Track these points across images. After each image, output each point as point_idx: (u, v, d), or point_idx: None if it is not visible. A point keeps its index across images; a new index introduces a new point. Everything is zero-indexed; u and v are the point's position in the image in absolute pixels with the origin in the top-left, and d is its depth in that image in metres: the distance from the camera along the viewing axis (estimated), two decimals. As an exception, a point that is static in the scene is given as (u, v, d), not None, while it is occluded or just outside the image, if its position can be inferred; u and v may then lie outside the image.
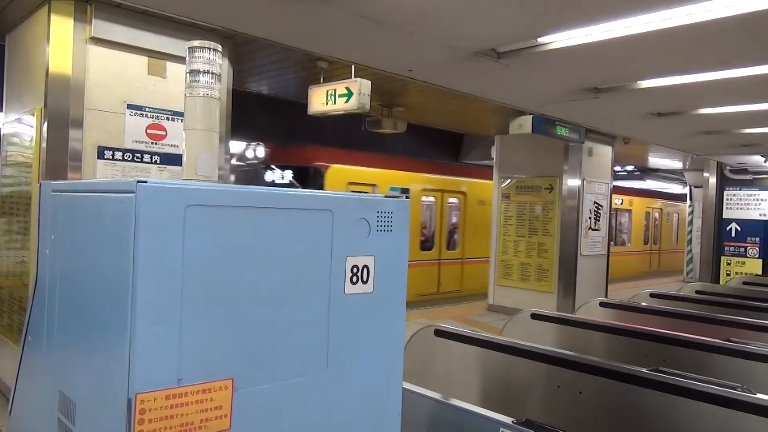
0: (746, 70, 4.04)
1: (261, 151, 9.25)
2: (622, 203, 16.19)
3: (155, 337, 1.26)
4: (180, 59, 4.36)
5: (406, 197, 1.74)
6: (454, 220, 11.53)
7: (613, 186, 9.69)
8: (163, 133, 4.41)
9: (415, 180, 10.57)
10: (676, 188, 19.40)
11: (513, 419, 2.13)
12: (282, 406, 1.49)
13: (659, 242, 18.32)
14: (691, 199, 15.13)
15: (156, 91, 4.37)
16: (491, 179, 12.07)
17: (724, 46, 3.63)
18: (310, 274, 1.53)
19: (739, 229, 11.39)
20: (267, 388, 1.45)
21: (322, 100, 5.78)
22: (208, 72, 1.68)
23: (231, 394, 1.38)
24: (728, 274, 11.32)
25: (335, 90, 5.62)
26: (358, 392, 1.65)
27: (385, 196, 1.69)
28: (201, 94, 1.68)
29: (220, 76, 1.73)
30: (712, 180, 11.65)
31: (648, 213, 17.58)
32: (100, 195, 1.43)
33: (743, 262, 11.31)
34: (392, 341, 1.74)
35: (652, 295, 6.06)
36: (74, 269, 1.57)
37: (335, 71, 5.88)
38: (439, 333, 3.65)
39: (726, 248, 11.53)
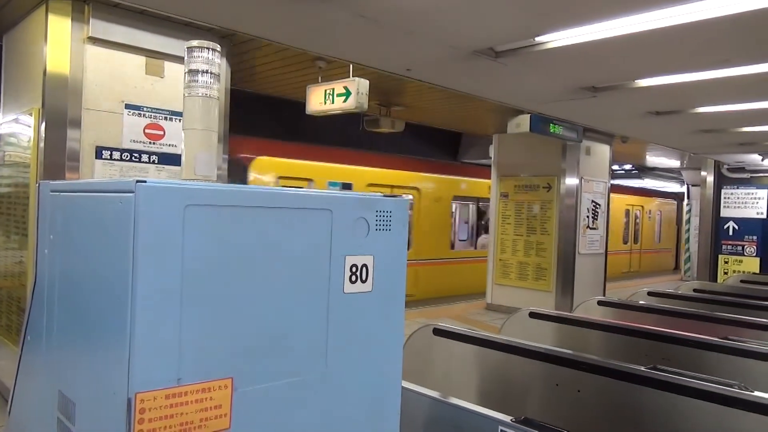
0: (744, 68, 4.05)
1: None
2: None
3: (155, 336, 1.26)
4: (178, 59, 4.36)
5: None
6: None
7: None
8: (162, 132, 4.40)
9: (361, 175, 9.68)
10: (660, 185, 18.94)
11: (512, 418, 2.13)
12: (281, 405, 1.49)
13: (640, 242, 17.58)
14: (688, 197, 15.16)
15: (154, 91, 4.37)
16: (454, 175, 11.60)
17: (721, 45, 3.63)
18: (309, 273, 1.53)
19: (736, 227, 11.42)
20: (266, 387, 1.46)
21: (320, 100, 5.78)
22: (206, 72, 1.68)
23: (230, 394, 1.38)
24: (726, 273, 11.35)
25: (333, 89, 5.62)
26: (357, 391, 1.66)
27: (384, 196, 1.70)
28: (200, 94, 1.68)
29: (218, 75, 1.73)
30: (710, 179, 11.68)
31: (627, 211, 17.07)
32: (99, 195, 1.43)
33: (741, 261, 11.34)
34: (391, 340, 1.74)
35: (650, 294, 6.07)
36: (73, 269, 1.57)
37: (333, 71, 5.88)
38: (438, 332, 3.66)
39: (723, 247, 11.56)
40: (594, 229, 9.07)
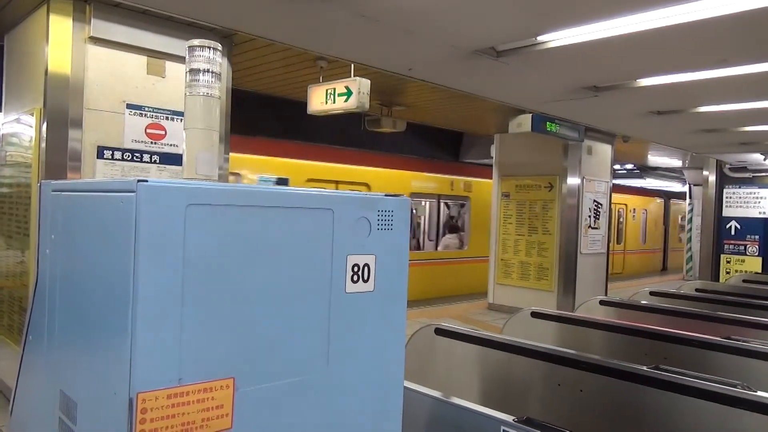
0: (745, 68, 4.04)
1: None
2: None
3: (156, 336, 1.26)
4: (179, 59, 4.36)
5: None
6: None
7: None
8: (163, 132, 4.40)
9: (300, 169, 8.81)
10: (647, 183, 18.35)
11: (514, 418, 2.13)
12: (283, 405, 1.49)
13: (624, 242, 16.47)
14: (690, 197, 15.14)
15: (155, 91, 4.37)
16: (414, 170, 10.82)
17: (723, 44, 3.63)
18: (311, 273, 1.53)
19: (738, 227, 11.40)
20: (268, 387, 1.45)
21: (322, 99, 5.78)
22: (208, 71, 1.68)
23: (232, 393, 1.38)
24: (728, 272, 11.34)
25: (334, 89, 5.62)
26: (359, 391, 1.65)
27: (386, 195, 1.69)
28: (201, 93, 1.68)
29: (220, 74, 1.73)
30: (712, 178, 11.67)
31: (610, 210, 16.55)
32: (100, 194, 1.43)
33: (743, 260, 11.32)
34: (393, 340, 1.74)
35: (652, 294, 6.06)
36: (75, 269, 1.57)
37: (334, 70, 5.88)
38: (440, 332, 3.65)
39: (726, 246, 11.54)
40: (596, 228, 9.06)
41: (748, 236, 11.28)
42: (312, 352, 1.54)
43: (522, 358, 3.22)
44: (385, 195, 1.69)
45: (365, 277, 1.63)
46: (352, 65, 5.44)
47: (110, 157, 4.16)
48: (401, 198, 1.73)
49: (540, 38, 3.63)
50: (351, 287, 1.60)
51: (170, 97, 4.43)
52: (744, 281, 8.30)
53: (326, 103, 5.73)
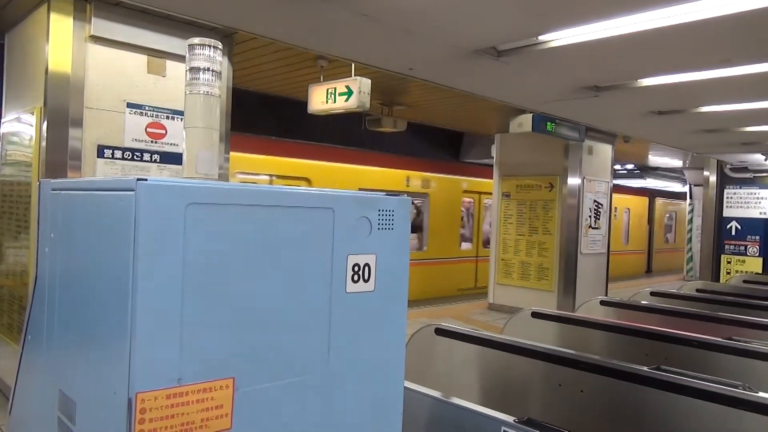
0: (747, 68, 4.03)
1: None
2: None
3: (156, 335, 1.25)
4: (179, 57, 4.35)
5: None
6: None
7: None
8: (163, 131, 4.40)
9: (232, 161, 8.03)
10: (629, 181, 17.64)
11: (515, 418, 2.12)
12: (283, 405, 1.48)
13: None
14: (691, 197, 15.13)
15: (155, 90, 4.37)
16: (365, 164, 9.91)
17: (724, 44, 3.62)
18: (311, 272, 1.52)
19: (739, 227, 11.39)
20: (268, 387, 1.45)
21: (322, 99, 5.77)
22: (208, 69, 1.67)
23: (232, 394, 1.37)
24: (728, 273, 11.33)
25: (335, 88, 5.62)
26: (359, 391, 1.65)
27: (386, 195, 1.69)
28: (201, 92, 1.67)
29: (220, 73, 1.72)
30: (713, 178, 11.66)
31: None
32: (99, 193, 1.42)
33: (743, 261, 11.31)
34: (393, 340, 1.74)
35: (652, 294, 6.06)
36: (74, 268, 1.56)
37: (335, 70, 5.87)
38: (440, 332, 3.65)
39: (726, 246, 11.53)
40: (596, 228, 9.05)
41: (749, 237, 11.27)
42: (312, 352, 1.54)
43: (522, 358, 3.21)
44: (386, 194, 1.68)
45: (366, 277, 1.62)
46: (353, 65, 5.43)
47: (110, 156, 4.16)
48: (402, 197, 1.73)
49: (541, 38, 3.63)
50: (351, 287, 1.60)
51: (171, 96, 4.42)
52: (744, 282, 8.30)
53: (327, 102, 5.73)
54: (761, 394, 2.46)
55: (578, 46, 3.61)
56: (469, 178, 12.19)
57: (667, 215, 19.09)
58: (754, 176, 11.22)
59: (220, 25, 3.94)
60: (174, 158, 4.44)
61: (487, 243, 12.06)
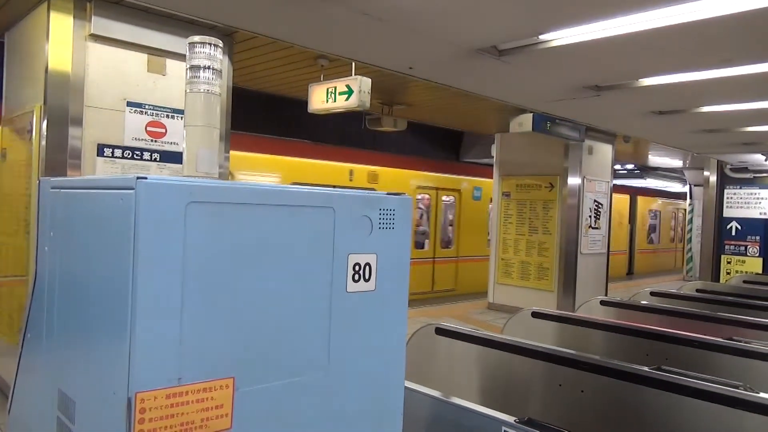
0: (748, 68, 4.03)
1: None
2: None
3: (155, 335, 1.25)
4: (180, 56, 4.35)
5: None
6: None
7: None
8: (163, 130, 4.39)
9: None
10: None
11: (515, 418, 2.12)
12: (283, 405, 1.47)
13: None
14: (691, 197, 15.11)
15: (156, 89, 4.36)
16: (301, 156, 9.10)
17: (725, 44, 3.61)
18: (311, 271, 1.52)
19: (739, 227, 11.39)
20: (268, 387, 1.44)
21: (323, 98, 5.77)
22: (208, 68, 1.66)
23: (232, 393, 1.37)
24: (728, 273, 11.33)
25: (335, 88, 5.61)
26: (359, 391, 1.64)
27: (388, 194, 1.68)
28: (201, 90, 1.67)
29: (220, 71, 1.71)
30: (713, 178, 11.66)
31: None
32: (99, 192, 1.42)
33: (743, 261, 11.31)
34: (394, 340, 1.73)
35: (652, 294, 6.06)
36: (74, 266, 1.55)
37: (335, 69, 5.86)
38: (440, 331, 3.64)
39: (726, 247, 11.53)
40: (596, 228, 9.05)
41: (749, 237, 11.27)
42: (312, 351, 1.53)
43: (523, 358, 3.21)
44: (387, 194, 1.68)
45: (366, 277, 1.62)
46: (353, 64, 5.43)
47: (110, 154, 4.15)
48: (403, 197, 1.72)
49: (542, 37, 3.62)
50: (352, 286, 1.59)
51: (171, 95, 4.42)
52: (745, 282, 8.30)
53: (327, 101, 5.72)
54: (762, 394, 2.45)
55: (579, 45, 3.60)
56: (426, 173, 11.22)
57: (651, 214, 18.24)
58: (754, 176, 11.22)
59: (221, 23, 3.93)
60: (174, 157, 4.43)
61: (446, 243, 11.61)
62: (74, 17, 3.99)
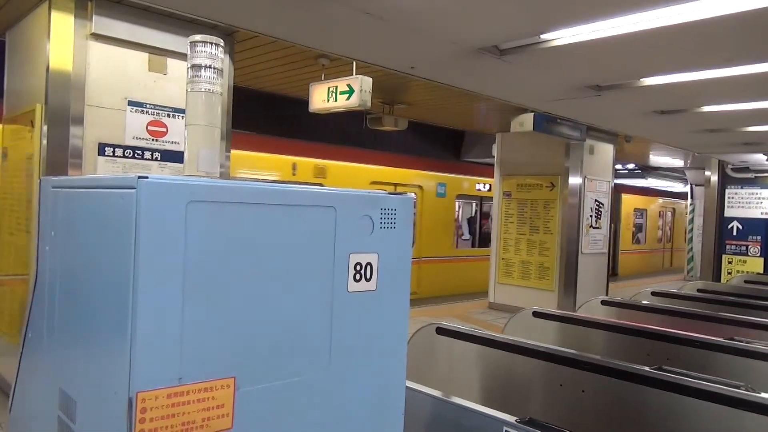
0: (749, 67, 4.02)
1: None
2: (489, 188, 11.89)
3: (156, 334, 1.25)
4: (181, 56, 4.34)
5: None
6: None
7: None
8: (164, 129, 4.39)
9: None
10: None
11: (516, 418, 2.12)
12: (284, 405, 1.47)
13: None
14: (692, 197, 15.09)
15: (157, 88, 4.36)
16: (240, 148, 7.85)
17: (726, 44, 3.61)
18: (312, 271, 1.52)
19: (740, 227, 11.38)
20: (269, 387, 1.44)
21: (323, 98, 5.76)
22: (210, 67, 1.66)
23: (233, 393, 1.36)
24: (729, 273, 11.32)
25: (336, 87, 5.60)
26: (360, 390, 1.64)
27: (389, 194, 1.68)
28: (203, 89, 1.67)
29: (222, 71, 1.71)
30: (714, 178, 11.65)
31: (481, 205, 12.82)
32: (100, 191, 1.41)
33: (744, 261, 11.30)
34: (395, 339, 1.73)
35: (653, 294, 6.05)
36: (75, 266, 1.55)
37: (336, 68, 5.86)
38: (441, 331, 3.64)
39: (727, 246, 11.52)
40: (597, 228, 9.05)
41: (750, 237, 11.26)
42: (313, 351, 1.53)
43: (523, 357, 3.20)
44: (389, 193, 1.68)
45: (368, 276, 1.61)
46: (354, 63, 5.42)
47: (111, 154, 4.15)
48: (405, 196, 1.72)
49: (543, 37, 3.62)
50: (353, 286, 1.59)
51: (172, 94, 4.41)
52: (746, 282, 8.29)
53: (328, 101, 5.72)
54: (763, 394, 2.45)
55: (580, 45, 3.60)
56: (383, 167, 10.42)
57: (637, 213, 17.67)
58: (755, 176, 11.21)
59: (222, 23, 3.93)
60: (175, 156, 4.43)
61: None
62: (75, 16, 3.98)
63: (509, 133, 8.48)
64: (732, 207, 11.50)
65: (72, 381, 1.50)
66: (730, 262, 11.47)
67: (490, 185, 11.77)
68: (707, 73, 4.23)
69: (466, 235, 13.09)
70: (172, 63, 4.40)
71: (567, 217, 8.69)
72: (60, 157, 3.97)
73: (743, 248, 11.34)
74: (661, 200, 19.03)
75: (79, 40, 4.01)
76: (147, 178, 1.22)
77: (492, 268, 9.57)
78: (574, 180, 8.70)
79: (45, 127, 3.94)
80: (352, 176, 9.71)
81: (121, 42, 4.16)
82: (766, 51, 3.68)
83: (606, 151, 9.24)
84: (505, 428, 2.09)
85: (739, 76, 4.20)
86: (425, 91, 7.31)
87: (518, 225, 9.27)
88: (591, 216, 8.93)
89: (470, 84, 5.15)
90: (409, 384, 2.21)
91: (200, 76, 1.66)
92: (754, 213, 11.25)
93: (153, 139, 4.34)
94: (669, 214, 19.52)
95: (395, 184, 10.64)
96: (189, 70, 1.68)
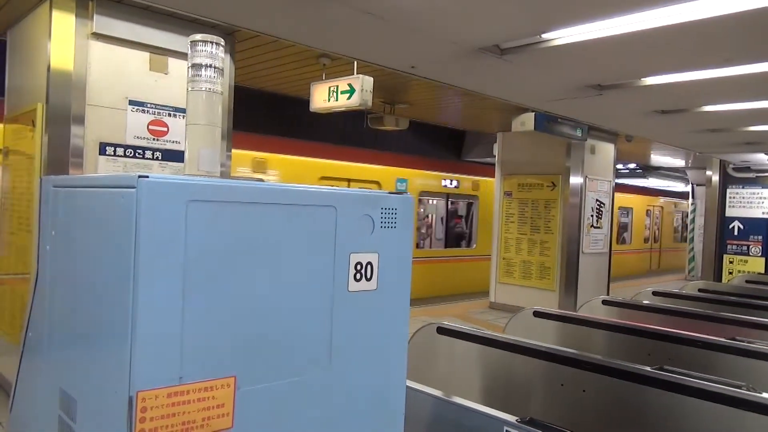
0: (750, 67, 4.02)
1: None
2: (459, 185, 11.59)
3: (157, 334, 1.24)
4: (182, 55, 4.34)
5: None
6: None
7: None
8: (165, 129, 4.39)
9: None
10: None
11: (517, 418, 2.11)
12: (285, 404, 1.47)
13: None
14: (693, 197, 15.08)
15: (158, 87, 4.36)
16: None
17: (727, 44, 3.60)
18: (313, 271, 1.52)
19: (741, 227, 11.37)
20: (269, 386, 1.44)
21: (324, 97, 5.76)
22: (210, 66, 1.66)
23: (233, 392, 1.36)
24: (730, 273, 11.30)
25: (337, 87, 5.60)
26: (361, 390, 1.64)
27: (389, 193, 1.68)
28: (203, 89, 1.67)
29: (222, 70, 1.71)
30: (715, 178, 11.63)
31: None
32: (101, 190, 1.41)
33: (746, 261, 11.29)
34: (396, 339, 1.73)
35: (654, 294, 6.05)
36: (75, 265, 1.55)
37: (337, 68, 5.86)
38: (442, 330, 3.64)
39: (728, 246, 11.51)
40: (598, 228, 9.04)
41: (751, 236, 11.25)
42: (314, 351, 1.53)
43: (524, 357, 3.20)
44: (389, 193, 1.67)
45: (368, 276, 1.61)
46: (355, 63, 5.42)
47: (112, 153, 4.15)
48: (405, 196, 1.72)
49: (544, 36, 3.61)
50: (354, 286, 1.59)
51: (172, 93, 4.41)
52: (747, 282, 8.28)
53: (329, 100, 5.71)
54: (765, 394, 2.45)
55: (581, 44, 3.60)
56: (334, 162, 9.65)
57: (623, 212, 17.21)
58: (756, 176, 11.20)
59: (222, 22, 3.93)
60: (176, 156, 4.43)
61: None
62: (76, 16, 3.98)
63: (510, 132, 8.49)
64: (733, 207, 11.49)
65: (72, 380, 1.50)
66: (731, 262, 11.46)
67: (458, 181, 11.52)
68: (707, 72, 4.22)
69: (439, 235, 12.60)
70: (173, 62, 4.40)
71: (568, 216, 8.68)
72: (61, 157, 3.97)
73: (744, 248, 11.33)
74: (650, 199, 18.61)
75: (80, 40, 4.01)
76: (147, 177, 1.22)
77: (493, 267, 9.57)
78: (575, 180, 8.69)
79: (46, 127, 3.95)
80: (297, 170, 8.93)
81: (122, 41, 4.16)
82: (766, 51, 3.68)
83: (607, 150, 9.24)
84: (505, 428, 2.09)
85: (739, 75, 4.20)
86: (426, 91, 7.31)
87: (519, 225, 9.26)
88: (592, 216, 8.92)
89: (471, 84, 5.15)
90: (410, 384, 2.21)
91: (201, 75, 1.66)
92: (756, 213, 11.24)
93: (154, 139, 4.34)
94: (657, 212, 19.11)
95: (348, 180, 9.85)
96: (190, 70, 1.68)
